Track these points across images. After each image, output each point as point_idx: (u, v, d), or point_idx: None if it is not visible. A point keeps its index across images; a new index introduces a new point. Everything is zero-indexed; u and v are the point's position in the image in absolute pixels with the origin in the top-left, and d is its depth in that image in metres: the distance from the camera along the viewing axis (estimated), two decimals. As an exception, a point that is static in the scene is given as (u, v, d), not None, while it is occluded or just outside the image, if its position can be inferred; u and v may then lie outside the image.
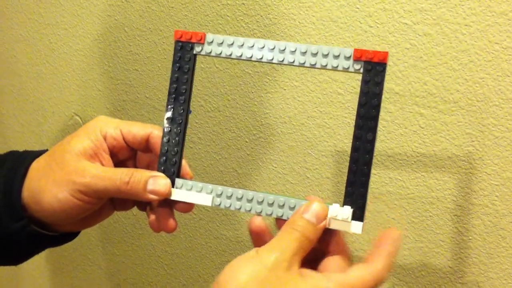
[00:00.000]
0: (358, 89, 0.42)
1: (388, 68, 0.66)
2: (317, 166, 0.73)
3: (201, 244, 0.85)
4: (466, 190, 0.65)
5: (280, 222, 0.43)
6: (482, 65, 0.62)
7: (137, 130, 0.47)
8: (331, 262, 0.41)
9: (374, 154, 0.42)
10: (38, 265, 1.04)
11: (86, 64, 0.89)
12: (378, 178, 0.69)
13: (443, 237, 0.68)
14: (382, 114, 0.67)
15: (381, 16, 0.65)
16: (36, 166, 0.46)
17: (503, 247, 0.65)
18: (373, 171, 0.70)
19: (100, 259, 0.96)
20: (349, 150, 0.42)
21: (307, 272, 0.39)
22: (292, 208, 0.43)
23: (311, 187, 0.74)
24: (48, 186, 0.44)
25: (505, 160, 0.63)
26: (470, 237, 0.66)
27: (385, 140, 0.68)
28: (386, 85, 0.67)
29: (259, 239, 0.43)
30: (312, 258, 0.41)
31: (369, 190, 0.42)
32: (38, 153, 0.48)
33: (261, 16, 0.73)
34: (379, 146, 0.68)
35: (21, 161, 0.47)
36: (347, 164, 0.42)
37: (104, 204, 0.47)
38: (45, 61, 0.92)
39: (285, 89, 0.73)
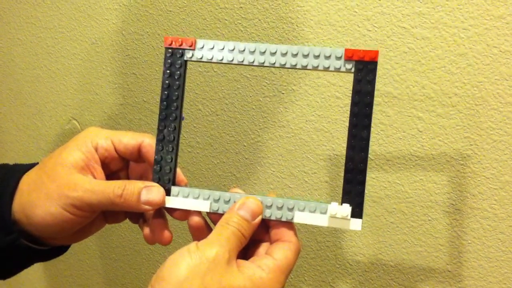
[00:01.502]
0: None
1: (386, 71, 0.66)
2: (316, 170, 0.73)
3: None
4: (464, 194, 0.65)
5: (213, 216, 0.44)
6: (480, 69, 0.62)
7: (128, 140, 0.47)
8: (260, 248, 0.44)
9: (372, 158, 0.42)
10: (36, 270, 1.03)
11: (84, 68, 0.88)
12: (377, 182, 0.69)
13: (442, 241, 0.67)
14: (381, 118, 0.67)
15: (379, 20, 0.65)
16: (27, 179, 0.45)
17: (502, 251, 0.65)
18: (371, 175, 0.69)
19: (98, 264, 0.96)
20: (347, 154, 0.42)
21: (243, 263, 0.41)
22: (290, 209, 0.43)
23: (309, 191, 0.74)
24: (40, 200, 0.43)
25: (503, 163, 0.63)
26: (469, 241, 0.66)
27: (383, 144, 0.68)
28: (384, 88, 0.67)
29: (198, 234, 0.45)
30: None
31: (366, 188, 0.42)
32: (29, 166, 0.47)
33: (259, 20, 0.72)
34: (377, 149, 0.68)
35: (11, 175, 0.46)
36: (345, 167, 0.42)
37: (96, 217, 0.47)
38: (43, 65, 0.92)
39: (283, 93, 0.73)
